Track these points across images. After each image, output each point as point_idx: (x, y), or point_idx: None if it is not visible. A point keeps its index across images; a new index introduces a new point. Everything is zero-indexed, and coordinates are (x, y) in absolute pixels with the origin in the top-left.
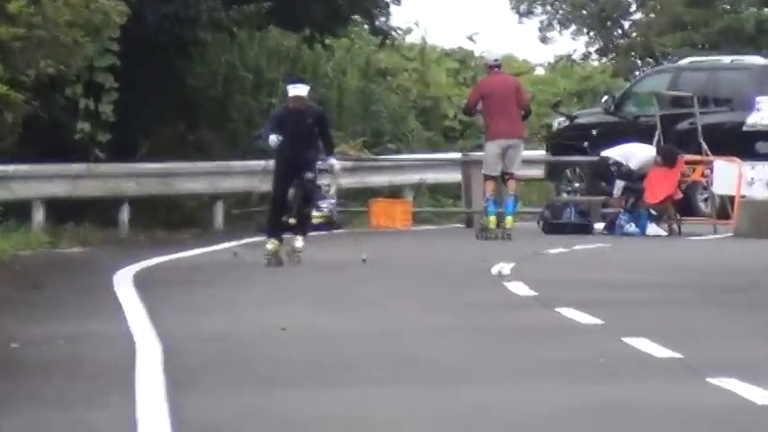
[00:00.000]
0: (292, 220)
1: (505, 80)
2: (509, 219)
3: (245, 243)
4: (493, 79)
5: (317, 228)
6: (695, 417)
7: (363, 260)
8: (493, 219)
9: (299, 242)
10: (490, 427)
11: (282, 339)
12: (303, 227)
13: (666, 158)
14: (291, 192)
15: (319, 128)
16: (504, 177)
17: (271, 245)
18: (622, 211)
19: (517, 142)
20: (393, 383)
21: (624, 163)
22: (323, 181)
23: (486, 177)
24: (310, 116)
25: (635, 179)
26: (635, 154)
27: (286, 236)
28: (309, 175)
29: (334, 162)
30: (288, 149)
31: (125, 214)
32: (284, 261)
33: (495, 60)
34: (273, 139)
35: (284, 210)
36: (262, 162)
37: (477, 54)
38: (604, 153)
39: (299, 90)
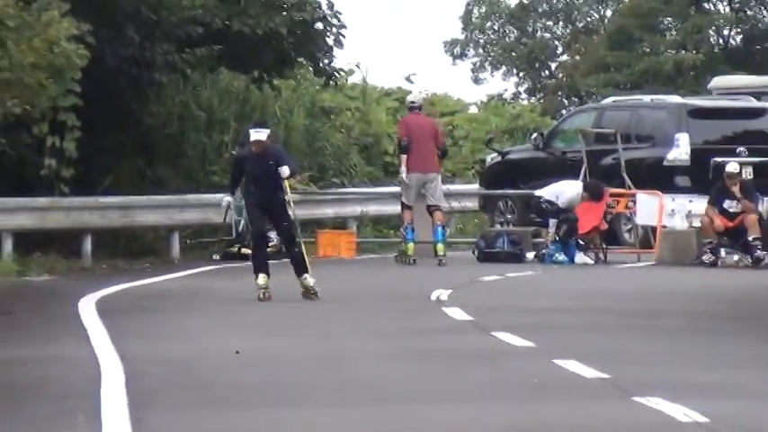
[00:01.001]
0: (245, 250)
1: (425, 121)
2: (440, 246)
3: (200, 271)
4: (415, 119)
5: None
6: (622, 431)
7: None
8: (411, 246)
9: (309, 280)
10: None
11: (237, 363)
12: (302, 265)
13: (593, 193)
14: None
15: (278, 165)
16: (431, 209)
17: (262, 279)
18: (552, 241)
19: (434, 176)
20: (340, 404)
21: (554, 201)
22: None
23: (404, 206)
24: (272, 158)
25: (570, 214)
26: (563, 191)
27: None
28: (285, 223)
29: (286, 170)
30: (256, 192)
31: (88, 245)
32: (277, 294)
33: (412, 103)
34: (226, 199)
35: (266, 244)
36: (218, 196)
37: (414, 94)
38: (537, 192)
39: (259, 135)
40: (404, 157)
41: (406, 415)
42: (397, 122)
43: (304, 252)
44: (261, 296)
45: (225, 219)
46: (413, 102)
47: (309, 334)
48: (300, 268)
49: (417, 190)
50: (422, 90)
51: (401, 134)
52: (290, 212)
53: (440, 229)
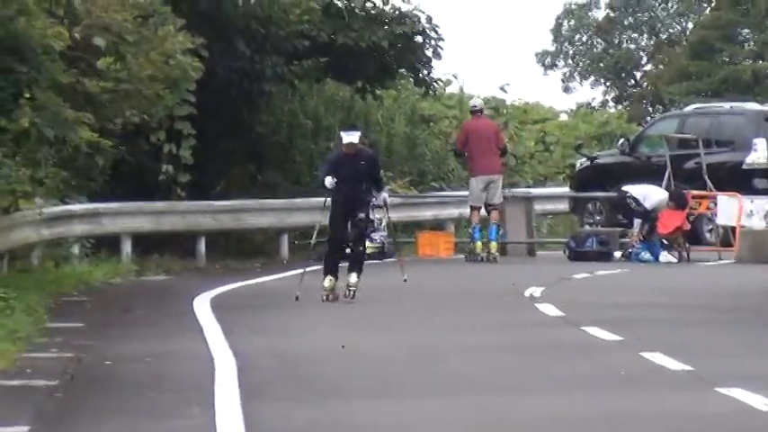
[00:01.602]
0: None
1: (486, 123)
2: (493, 244)
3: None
4: (476, 123)
5: (371, 257)
6: (704, 422)
7: (405, 280)
8: (479, 244)
9: (353, 278)
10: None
11: (342, 357)
12: (358, 263)
13: (677, 202)
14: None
15: (374, 169)
16: (488, 209)
17: (328, 282)
18: (639, 241)
19: (497, 177)
20: (437, 396)
21: (641, 201)
22: (375, 215)
23: (472, 208)
24: (363, 159)
25: (651, 216)
26: (651, 195)
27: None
28: (362, 215)
29: (386, 196)
30: (343, 191)
31: (202, 246)
32: (339, 297)
33: (474, 107)
34: (329, 180)
35: (341, 249)
36: (322, 199)
37: (508, 102)
38: (625, 188)
39: (351, 137)
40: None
41: (499, 405)
42: (460, 128)
43: (365, 254)
44: (324, 298)
45: (324, 203)
46: (474, 106)
47: (409, 329)
48: (355, 266)
49: (482, 191)
50: (480, 96)
51: (459, 140)
52: (382, 217)
53: (495, 227)
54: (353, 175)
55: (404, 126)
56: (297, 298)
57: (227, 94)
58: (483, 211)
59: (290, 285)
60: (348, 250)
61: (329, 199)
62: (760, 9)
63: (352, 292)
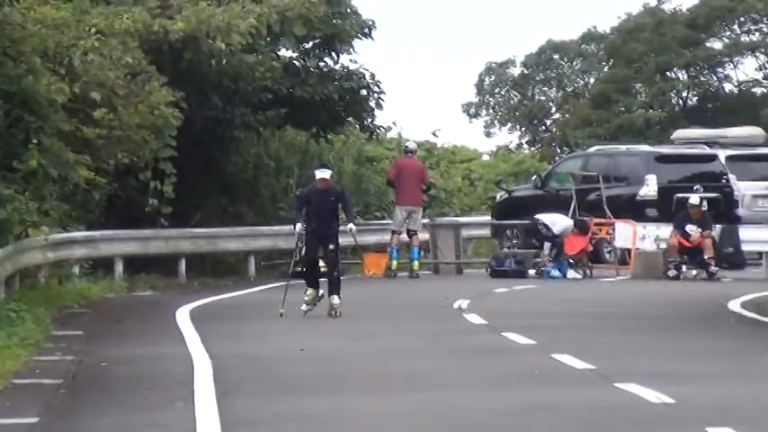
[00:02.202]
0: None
1: (414, 163)
2: (416, 263)
3: (272, 287)
4: (406, 161)
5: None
6: (604, 411)
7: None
8: (395, 263)
9: (336, 300)
10: (450, 421)
11: (302, 359)
12: (337, 287)
13: (580, 229)
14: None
15: (341, 203)
16: (410, 234)
17: (310, 292)
18: (549, 261)
19: (417, 208)
20: (383, 392)
21: (550, 226)
22: None
23: (393, 232)
24: (333, 195)
25: (558, 239)
26: (558, 222)
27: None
28: (332, 246)
29: (353, 227)
30: (315, 222)
31: (183, 266)
32: (290, 315)
33: (408, 147)
34: (299, 226)
35: (316, 268)
36: (281, 227)
37: (439, 145)
38: (537, 216)
39: (324, 173)
40: (393, 190)
41: (434, 398)
42: (391, 162)
43: (341, 278)
44: (305, 308)
45: (297, 243)
46: (407, 147)
47: (358, 335)
48: (334, 289)
49: (404, 219)
50: (415, 140)
51: (391, 173)
52: (354, 239)
53: (416, 249)
54: (324, 209)
55: (351, 165)
56: (281, 315)
57: (202, 139)
58: (403, 236)
59: (258, 299)
60: (327, 277)
61: (300, 231)
62: (650, 66)
63: (338, 312)
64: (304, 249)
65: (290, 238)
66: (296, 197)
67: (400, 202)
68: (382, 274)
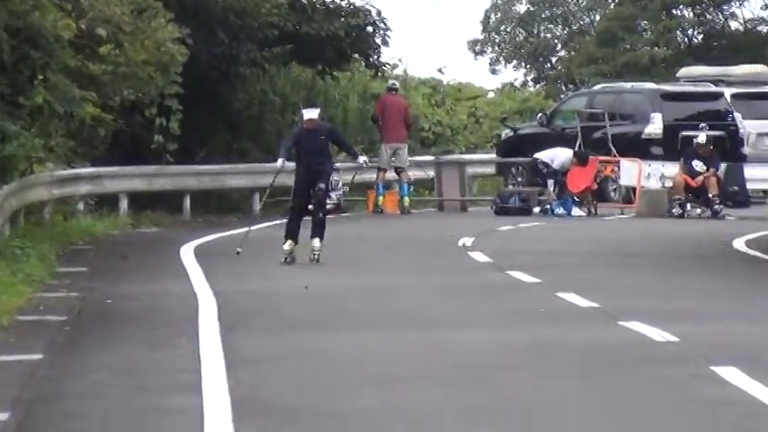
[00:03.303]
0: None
1: (399, 100)
2: (406, 199)
3: (276, 224)
4: (391, 98)
5: (330, 212)
6: (608, 349)
7: (237, 252)
8: (381, 198)
9: (317, 243)
10: (455, 358)
11: (306, 295)
12: (320, 230)
13: (580, 159)
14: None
15: (334, 141)
16: (398, 171)
17: (288, 245)
18: (554, 199)
19: (403, 145)
20: (387, 328)
21: (550, 163)
22: (333, 177)
23: (379, 169)
24: (323, 133)
25: (560, 175)
26: (557, 156)
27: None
28: (322, 185)
29: (365, 159)
30: (305, 163)
31: (188, 203)
32: (297, 259)
33: (393, 85)
34: (279, 162)
35: (301, 217)
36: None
37: (445, 82)
38: (535, 155)
39: (311, 113)
40: (377, 127)
41: (438, 336)
42: (375, 99)
43: (325, 221)
44: (284, 260)
45: (274, 180)
46: (393, 84)
47: (362, 272)
48: (317, 231)
49: (390, 156)
50: (398, 77)
51: (377, 109)
52: (339, 178)
53: (405, 185)
54: (314, 148)
55: (357, 102)
56: (238, 253)
57: (208, 76)
58: (390, 174)
59: (262, 235)
60: (310, 217)
61: (281, 166)
62: (656, 4)
63: (316, 256)
64: (292, 192)
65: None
66: (287, 134)
67: (385, 140)
68: (372, 209)
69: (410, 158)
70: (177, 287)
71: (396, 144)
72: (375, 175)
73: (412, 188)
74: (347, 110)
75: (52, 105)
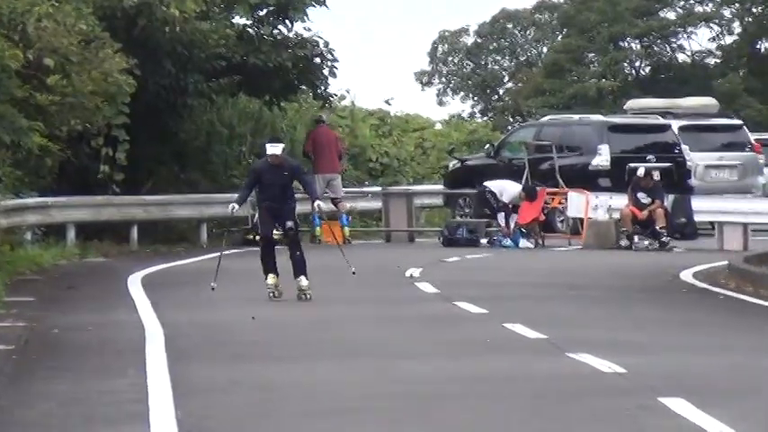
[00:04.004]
0: (276, 233)
1: (328, 132)
2: (346, 230)
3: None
4: (320, 131)
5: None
6: (556, 380)
7: (353, 273)
8: (319, 229)
9: (303, 281)
10: (402, 388)
11: (254, 326)
12: (302, 267)
13: (528, 194)
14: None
15: (298, 178)
16: (335, 202)
17: (271, 279)
18: (510, 232)
19: (336, 175)
20: (335, 358)
21: (499, 196)
22: None
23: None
24: (287, 170)
25: (510, 209)
26: (507, 189)
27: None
28: (290, 223)
29: (319, 203)
30: (269, 199)
31: (135, 233)
32: (283, 294)
33: (320, 117)
34: (231, 206)
35: (273, 247)
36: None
37: (392, 113)
38: (485, 183)
39: (276, 148)
40: (310, 161)
41: (385, 366)
42: (307, 135)
43: (305, 257)
44: (271, 295)
45: (250, 211)
46: (320, 117)
47: (309, 303)
48: (300, 270)
49: (324, 187)
50: (345, 108)
51: (306, 145)
52: (322, 216)
53: (344, 217)
54: (277, 184)
55: (304, 134)
56: (213, 288)
57: (156, 106)
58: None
59: (209, 266)
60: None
61: (232, 211)
62: (604, 36)
63: (308, 295)
64: (259, 228)
65: (243, 206)
66: (249, 171)
67: (319, 171)
68: (309, 241)
69: (359, 189)
70: (125, 317)
71: (329, 174)
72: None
73: (350, 218)
74: (294, 141)
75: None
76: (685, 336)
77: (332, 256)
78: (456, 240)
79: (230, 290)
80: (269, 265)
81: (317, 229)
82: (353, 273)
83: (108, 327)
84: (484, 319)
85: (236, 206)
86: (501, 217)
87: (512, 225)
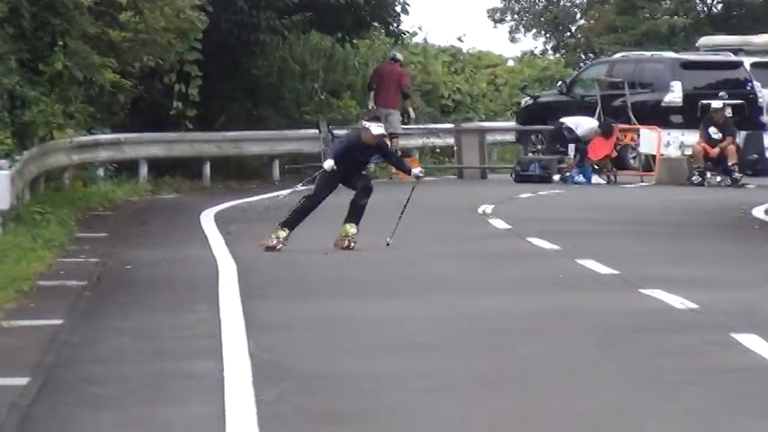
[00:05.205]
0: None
1: (392, 68)
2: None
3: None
4: (386, 66)
5: None
6: (628, 316)
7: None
8: (373, 166)
9: (353, 229)
10: (472, 324)
11: (326, 262)
12: (359, 216)
13: (604, 131)
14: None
15: (385, 157)
16: (391, 138)
17: (283, 232)
18: (574, 166)
19: (393, 111)
20: (408, 295)
21: (574, 129)
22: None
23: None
24: (375, 150)
25: (582, 143)
26: (582, 124)
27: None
28: (363, 179)
29: (417, 172)
30: (344, 169)
31: (207, 169)
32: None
33: (394, 55)
34: (329, 163)
35: (310, 212)
36: (308, 131)
37: (464, 50)
38: (561, 119)
39: (380, 129)
40: (371, 93)
41: (457, 303)
42: (374, 70)
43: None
44: (272, 243)
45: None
46: (394, 55)
47: (382, 239)
48: (356, 217)
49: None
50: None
51: (371, 80)
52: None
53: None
54: (361, 160)
55: None
56: (229, 233)
57: (228, 43)
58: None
59: (281, 202)
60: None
61: (330, 167)
62: None
63: (352, 243)
64: (319, 181)
65: (313, 142)
66: (345, 138)
67: (377, 104)
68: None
69: (430, 126)
70: (197, 253)
71: (386, 109)
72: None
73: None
74: (366, 77)
75: (72, 72)
76: (757, 271)
77: (402, 194)
78: (528, 177)
79: (303, 225)
80: (293, 222)
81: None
82: (388, 244)
83: (180, 262)
84: (556, 255)
85: (333, 163)
86: (571, 149)
87: (576, 158)
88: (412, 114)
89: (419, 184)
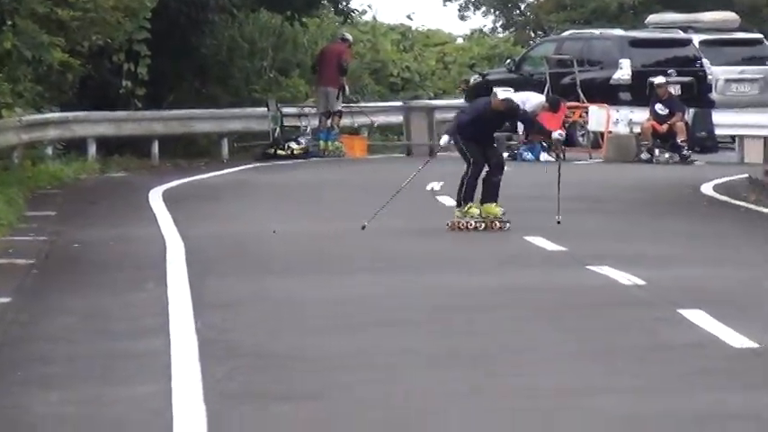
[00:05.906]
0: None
1: (332, 47)
2: (323, 143)
3: (244, 168)
4: (328, 46)
5: (298, 157)
6: (576, 293)
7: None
8: (323, 143)
9: (499, 209)
10: (423, 302)
11: (275, 240)
12: (496, 193)
13: (552, 105)
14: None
15: (517, 118)
16: (333, 115)
17: (475, 209)
18: (522, 143)
19: (331, 89)
20: (355, 272)
21: (522, 105)
22: (301, 123)
23: (322, 114)
24: (508, 115)
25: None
26: (530, 100)
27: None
28: (497, 156)
29: (556, 135)
30: (480, 135)
31: (156, 148)
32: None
33: (343, 35)
34: (445, 139)
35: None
36: (254, 109)
37: (413, 28)
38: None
39: (506, 93)
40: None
41: (407, 280)
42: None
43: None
44: (479, 227)
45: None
46: (343, 35)
47: (331, 216)
48: (493, 196)
49: (326, 99)
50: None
51: (316, 59)
52: (307, 124)
53: (325, 132)
54: (491, 127)
55: None
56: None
57: (177, 21)
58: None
59: (230, 180)
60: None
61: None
62: None
63: (507, 225)
64: (471, 155)
65: (262, 120)
66: (471, 109)
67: (318, 83)
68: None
69: (378, 104)
70: (145, 232)
71: (324, 88)
72: (347, 121)
73: (336, 131)
74: (315, 56)
75: (20, 51)
76: (705, 249)
77: (352, 170)
78: None
79: (252, 203)
80: (471, 192)
81: (323, 143)
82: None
83: (129, 241)
84: (505, 232)
85: (448, 139)
86: (520, 126)
87: (524, 135)
88: (346, 91)
89: (364, 163)
